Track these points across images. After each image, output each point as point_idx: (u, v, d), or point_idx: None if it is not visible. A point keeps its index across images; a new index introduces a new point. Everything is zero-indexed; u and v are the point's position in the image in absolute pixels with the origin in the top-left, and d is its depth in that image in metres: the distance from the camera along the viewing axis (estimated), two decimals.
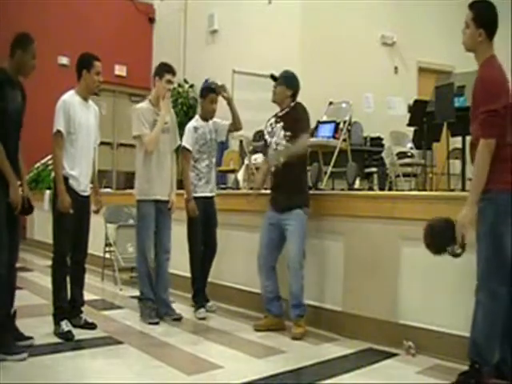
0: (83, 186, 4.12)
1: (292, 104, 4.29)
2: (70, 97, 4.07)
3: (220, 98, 4.81)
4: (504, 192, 2.92)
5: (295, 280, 4.09)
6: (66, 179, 3.99)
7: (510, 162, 2.97)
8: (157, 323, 4.39)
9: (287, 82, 4.29)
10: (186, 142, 4.78)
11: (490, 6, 3.10)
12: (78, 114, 4.05)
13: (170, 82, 4.56)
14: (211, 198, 4.87)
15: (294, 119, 4.20)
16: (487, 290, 2.95)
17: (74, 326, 4.06)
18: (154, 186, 4.48)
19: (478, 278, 3.00)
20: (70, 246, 4.09)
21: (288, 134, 4.19)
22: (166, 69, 4.57)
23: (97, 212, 4.42)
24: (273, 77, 4.36)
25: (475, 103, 3.02)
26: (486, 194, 2.94)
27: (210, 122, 4.88)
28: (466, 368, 3.08)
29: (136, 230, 4.62)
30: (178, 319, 4.54)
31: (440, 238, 3.08)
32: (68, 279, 4.13)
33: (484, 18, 3.06)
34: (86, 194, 4.17)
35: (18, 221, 3.67)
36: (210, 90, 4.82)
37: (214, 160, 4.93)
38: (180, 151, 4.84)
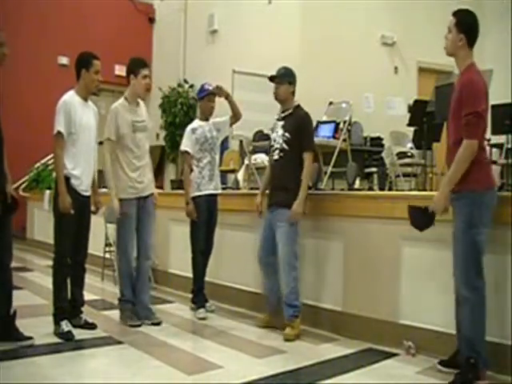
0: (85, 185, 4.12)
1: (295, 104, 4.27)
2: (71, 97, 4.07)
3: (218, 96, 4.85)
4: (477, 191, 3.14)
5: (286, 281, 4.09)
6: (67, 179, 3.99)
7: (483, 163, 3.20)
8: (139, 325, 4.32)
9: (290, 79, 4.26)
10: (185, 146, 4.82)
11: (473, 15, 3.30)
12: (79, 114, 4.04)
13: (146, 76, 4.46)
14: (215, 195, 4.86)
15: (303, 125, 4.18)
16: (468, 285, 3.13)
17: (74, 326, 4.06)
18: (135, 185, 4.41)
19: (457, 275, 3.18)
20: (71, 246, 4.08)
21: (287, 135, 4.16)
22: (140, 64, 4.47)
23: (95, 212, 4.40)
24: (271, 78, 4.33)
25: (459, 106, 3.18)
26: (460, 194, 3.17)
27: (210, 121, 4.90)
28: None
29: (116, 229, 4.52)
30: (158, 324, 4.40)
31: (421, 223, 3.36)
32: (68, 279, 4.13)
33: (466, 25, 3.26)
34: (87, 193, 4.17)
35: (8, 220, 3.66)
36: (209, 92, 4.84)
37: (216, 157, 4.91)
38: (180, 154, 4.83)
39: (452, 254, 3.21)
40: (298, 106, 4.28)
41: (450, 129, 3.31)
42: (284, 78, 4.25)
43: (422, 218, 3.31)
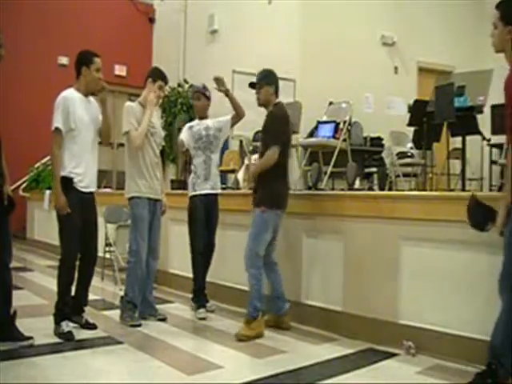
0: (88, 181, 4.04)
1: (276, 102, 4.22)
2: (70, 93, 4.00)
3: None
4: None
5: (248, 278, 4.09)
6: (70, 180, 3.92)
7: None
8: (139, 325, 4.32)
9: (267, 80, 4.21)
10: (182, 136, 4.97)
11: None
12: (79, 110, 3.97)
13: (161, 87, 4.57)
14: (213, 195, 4.85)
15: (268, 123, 4.17)
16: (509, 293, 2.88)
17: (75, 322, 4.05)
18: (146, 185, 4.44)
19: (501, 281, 2.92)
20: (78, 246, 4.00)
21: (260, 136, 4.23)
22: (159, 75, 4.59)
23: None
24: (251, 84, 4.29)
25: (507, 104, 2.97)
26: None
27: (209, 120, 4.93)
28: (465, 368, 3.09)
29: (130, 232, 4.50)
30: (163, 319, 4.52)
31: (474, 219, 3.10)
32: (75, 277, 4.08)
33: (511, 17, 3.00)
34: (90, 190, 4.08)
35: (6, 220, 3.65)
36: (195, 90, 5.00)
37: (213, 156, 4.89)
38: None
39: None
40: (276, 104, 4.22)
41: (508, 126, 3.03)
42: (262, 81, 4.22)
43: (484, 215, 3.04)
